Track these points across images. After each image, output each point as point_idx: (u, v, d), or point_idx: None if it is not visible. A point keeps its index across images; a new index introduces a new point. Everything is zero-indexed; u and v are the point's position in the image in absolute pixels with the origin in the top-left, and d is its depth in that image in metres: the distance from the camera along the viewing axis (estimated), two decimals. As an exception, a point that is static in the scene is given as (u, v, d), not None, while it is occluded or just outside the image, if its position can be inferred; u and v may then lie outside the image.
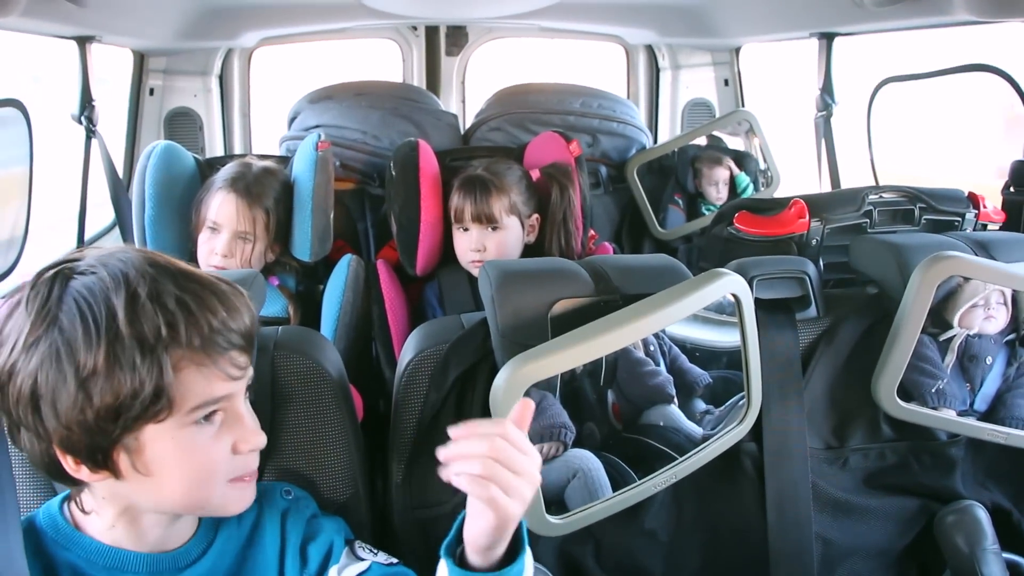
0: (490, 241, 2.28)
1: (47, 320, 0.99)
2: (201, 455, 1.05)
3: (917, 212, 1.88)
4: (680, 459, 1.44)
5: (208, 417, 1.06)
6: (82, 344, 0.98)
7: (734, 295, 1.41)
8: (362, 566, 1.22)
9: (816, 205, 1.86)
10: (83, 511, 1.12)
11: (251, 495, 1.13)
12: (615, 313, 1.32)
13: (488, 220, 2.27)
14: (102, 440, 1.01)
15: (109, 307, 0.98)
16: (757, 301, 1.49)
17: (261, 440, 1.11)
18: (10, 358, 1.00)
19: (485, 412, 1.36)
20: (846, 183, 2.94)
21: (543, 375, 1.29)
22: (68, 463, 1.04)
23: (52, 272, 1.03)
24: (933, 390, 1.60)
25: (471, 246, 2.30)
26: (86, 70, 2.56)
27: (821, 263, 1.87)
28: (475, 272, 2.31)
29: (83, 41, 2.51)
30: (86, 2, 1.91)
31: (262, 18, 3.20)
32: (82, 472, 1.04)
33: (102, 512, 1.11)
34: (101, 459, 1.03)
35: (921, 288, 1.51)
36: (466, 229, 2.31)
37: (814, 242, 1.86)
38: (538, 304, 1.39)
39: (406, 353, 1.51)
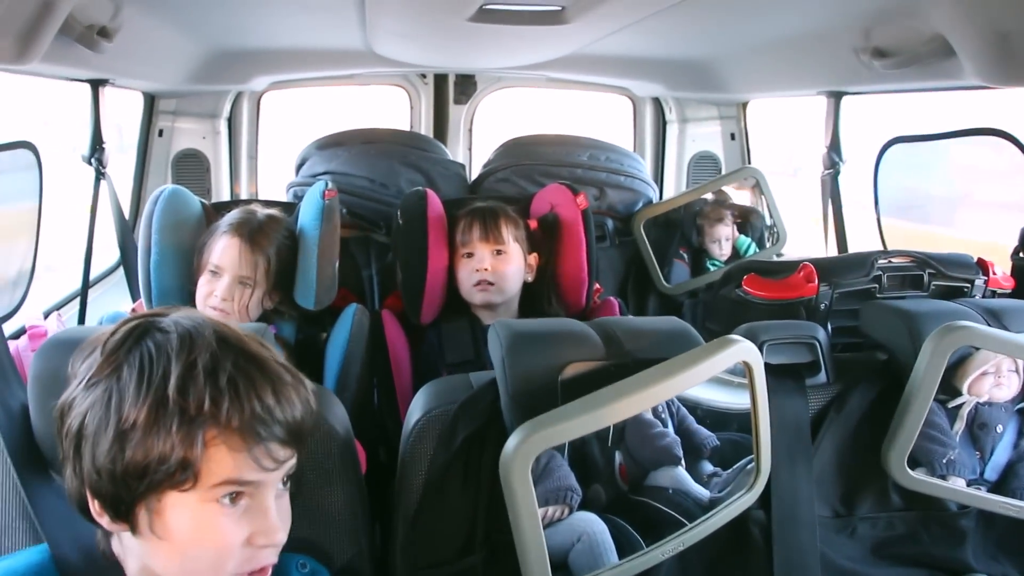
0: (496, 263, 2.30)
1: (112, 366, 1.02)
2: (215, 535, 1.03)
3: (926, 278, 1.88)
4: (687, 527, 1.42)
5: (233, 499, 1.04)
6: (131, 397, 1.00)
7: (745, 363, 1.40)
8: None
9: (825, 269, 1.86)
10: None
11: None
12: (627, 380, 1.31)
13: (495, 240, 2.30)
14: (126, 494, 1.02)
15: (166, 369, 1.00)
16: (766, 366, 1.47)
17: (280, 537, 1.08)
18: (73, 392, 1.05)
19: (494, 475, 1.34)
20: (851, 238, 2.93)
21: (553, 443, 1.28)
22: (95, 506, 1.05)
23: (136, 322, 1.07)
24: (943, 460, 1.59)
25: (476, 267, 2.31)
26: (98, 112, 2.58)
27: (829, 327, 1.86)
28: (478, 296, 2.32)
29: (96, 84, 2.53)
30: (103, 48, 1.93)
31: (272, 63, 3.22)
32: (104, 519, 1.05)
33: (127, 561, 1.12)
34: (123, 511, 1.03)
35: (933, 358, 1.50)
36: (471, 254, 2.32)
37: (823, 306, 1.86)
38: (548, 367, 1.38)
39: (413, 412, 1.50)
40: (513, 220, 2.35)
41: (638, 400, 1.30)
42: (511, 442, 1.26)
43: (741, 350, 1.38)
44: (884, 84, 2.51)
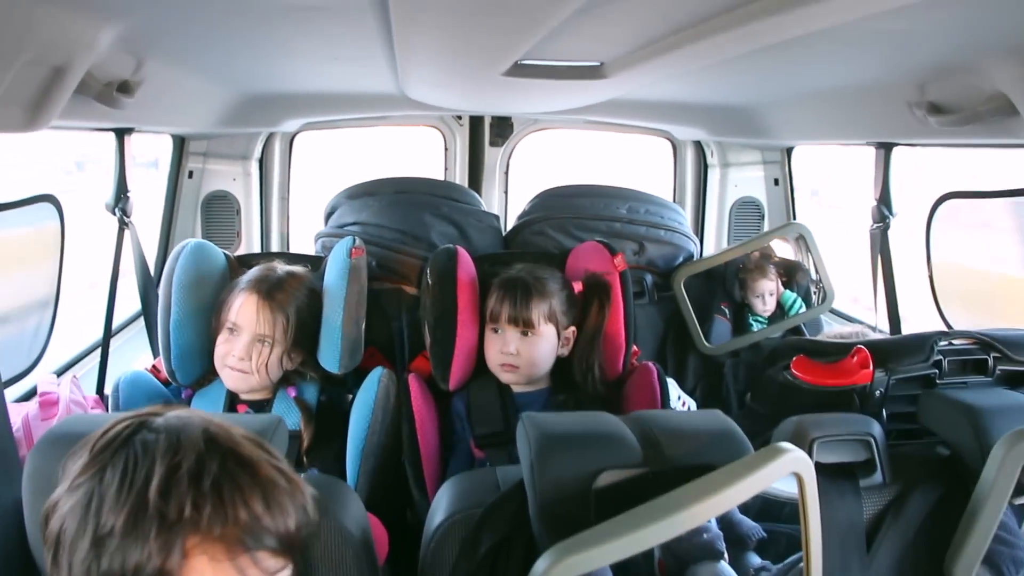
0: (523, 346, 2.19)
1: (97, 467, 0.96)
2: None
3: (991, 362, 1.74)
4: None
5: None
6: (110, 500, 0.93)
7: (796, 474, 1.28)
8: None
9: (880, 353, 1.74)
10: None
11: None
12: (668, 497, 1.20)
13: (524, 324, 2.18)
14: None
15: (148, 472, 0.94)
16: (817, 466, 1.36)
17: None
18: (58, 493, 0.98)
19: (519, 587, 1.25)
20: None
21: (586, 568, 1.17)
22: None
23: (126, 421, 1.00)
24: (1010, 560, 1.46)
25: (503, 348, 2.20)
26: (123, 161, 2.53)
27: (885, 414, 1.74)
28: (504, 377, 2.23)
29: (121, 133, 2.47)
30: (124, 104, 1.86)
31: (304, 106, 3.17)
32: None
33: None
34: None
35: (1004, 465, 1.38)
36: (499, 331, 2.22)
37: (878, 393, 1.73)
38: (582, 475, 1.28)
39: (436, 513, 1.41)
40: (546, 296, 2.21)
41: (680, 520, 1.18)
42: (539, 567, 1.15)
43: (791, 461, 1.26)
44: (939, 139, 2.39)
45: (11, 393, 2.11)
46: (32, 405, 2.06)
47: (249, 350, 2.08)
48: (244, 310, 2.11)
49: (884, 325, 2.84)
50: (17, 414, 1.94)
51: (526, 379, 2.23)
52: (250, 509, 0.94)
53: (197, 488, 0.93)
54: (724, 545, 1.37)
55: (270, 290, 2.13)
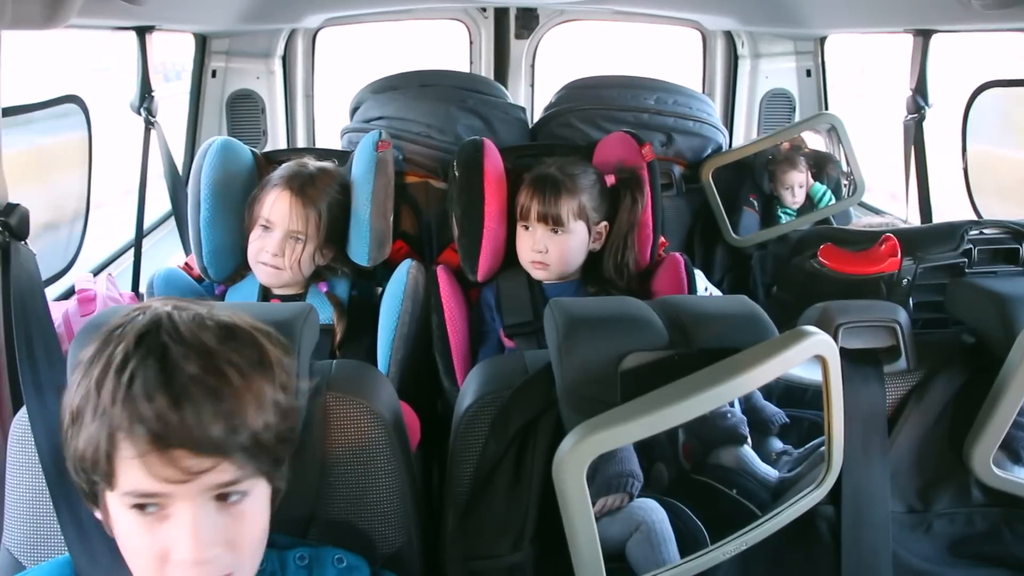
0: (553, 244, 2.19)
1: (93, 358, 0.97)
2: (128, 545, 0.98)
3: (1022, 251, 1.73)
4: (750, 526, 1.34)
5: (141, 509, 0.95)
6: (79, 382, 0.96)
7: (820, 357, 1.29)
8: None
9: (909, 241, 1.72)
10: None
11: None
12: (692, 378, 1.22)
13: (554, 221, 2.17)
14: (84, 483, 0.98)
15: (109, 356, 0.94)
16: (842, 351, 1.37)
17: (201, 556, 0.96)
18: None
19: (546, 467, 1.28)
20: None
21: (610, 446, 1.20)
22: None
23: (129, 312, 1.00)
24: (1031, 447, 1.48)
25: (533, 246, 2.20)
26: (145, 60, 2.51)
27: (911, 303, 1.73)
28: (535, 274, 2.24)
29: (142, 31, 2.46)
30: (142, 0, 1.84)
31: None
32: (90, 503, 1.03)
33: None
34: (93, 501, 1.01)
35: (1029, 351, 1.37)
36: (529, 228, 2.22)
37: (905, 281, 1.72)
38: (608, 357, 1.29)
39: (465, 396, 1.44)
40: (576, 192, 2.19)
41: (703, 401, 1.21)
42: (565, 445, 1.19)
43: (816, 343, 1.28)
44: (982, 24, 2.31)
45: (50, 293, 2.14)
46: (71, 303, 2.11)
47: (282, 246, 2.10)
48: (277, 206, 2.11)
49: (915, 219, 2.81)
50: (57, 311, 1.98)
51: (556, 276, 2.23)
52: (155, 405, 0.91)
53: (125, 379, 0.92)
54: (747, 430, 1.39)
55: (302, 186, 2.13)
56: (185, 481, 0.93)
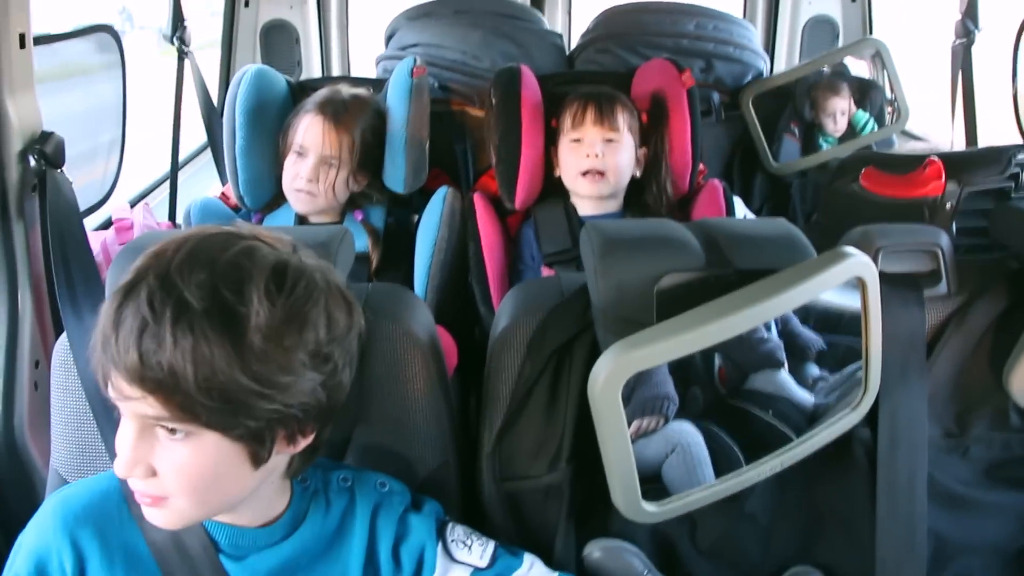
0: (608, 151, 2.17)
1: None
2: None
3: (1073, 176, 1.69)
4: (785, 448, 1.34)
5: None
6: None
7: (859, 278, 1.28)
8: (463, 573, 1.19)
9: (954, 165, 1.69)
10: None
11: (155, 517, 1.04)
12: (728, 297, 1.21)
13: (610, 127, 2.17)
14: None
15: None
16: (881, 275, 1.35)
17: (117, 468, 0.99)
18: None
19: (582, 388, 1.27)
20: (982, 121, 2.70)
21: (645, 365, 1.20)
22: None
23: (179, 237, 1.01)
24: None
25: (587, 151, 2.18)
26: (177, -11, 2.50)
27: (954, 228, 1.70)
28: (589, 188, 2.20)
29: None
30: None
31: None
32: None
33: None
34: None
35: (1074, 274, 1.35)
36: (578, 140, 2.20)
37: (948, 206, 1.69)
38: (644, 277, 1.28)
39: (500, 319, 1.44)
40: (628, 107, 2.20)
41: (738, 320, 1.19)
42: (600, 365, 1.19)
43: (855, 265, 1.26)
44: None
45: (88, 224, 2.17)
46: (109, 232, 2.14)
47: (316, 172, 2.11)
48: (310, 132, 2.12)
49: (960, 146, 2.76)
50: (95, 241, 2.01)
51: (611, 190, 2.20)
52: (117, 326, 0.94)
53: (112, 300, 0.96)
54: (784, 355, 1.39)
55: (336, 111, 2.13)
56: (122, 402, 0.96)
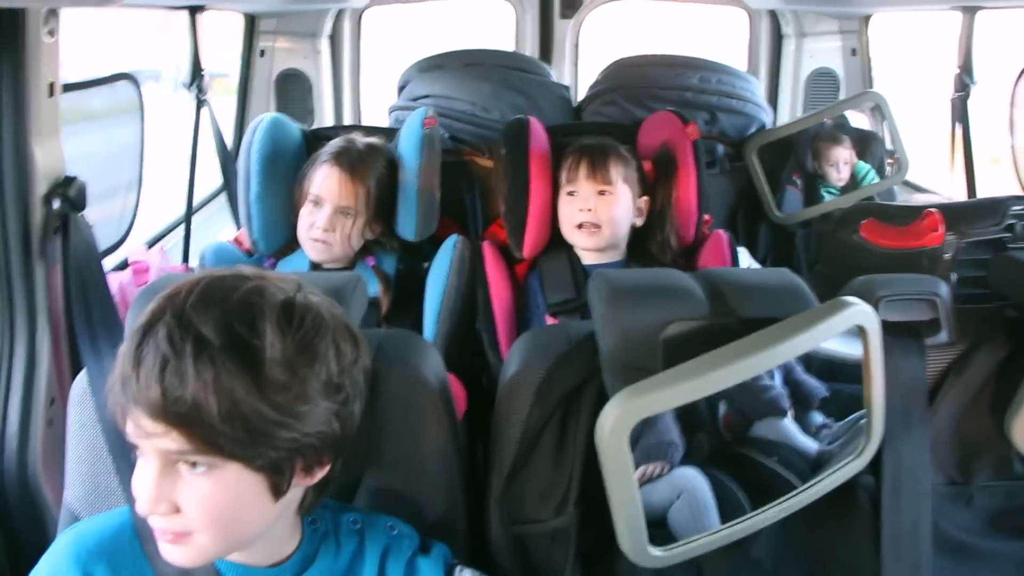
0: (601, 205, 2.20)
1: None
2: None
3: (1067, 227, 1.72)
4: (790, 495, 1.36)
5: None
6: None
7: (860, 327, 1.31)
8: None
9: (952, 216, 1.72)
10: None
11: (175, 555, 1.05)
12: (732, 345, 1.24)
13: (602, 180, 2.19)
14: None
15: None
16: (883, 324, 1.37)
17: (140, 507, 1.01)
18: None
19: (589, 433, 1.31)
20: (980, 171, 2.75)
21: (651, 412, 1.22)
22: None
23: (197, 279, 1.04)
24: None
25: (579, 206, 2.21)
26: (196, 39, 2.57)
27: (954, 278, 1.73)
28: (583, 241, 2.23)
29: (194, 10, 2.51)
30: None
31: (372, -23, 3.16)
32: None
33: None
34: None
35: (1071, 324, 1.38)
36: (575, 192, 2.23)
37: (947, 256, 1.72)
38: (650, 326, 1.31)
39: (509, 366, 1.46)
40: (623, 159, 2.23)
41: (742, 368, 1.22)
42: (607, 411, 1.21)
43: (856, 313, 1.29)
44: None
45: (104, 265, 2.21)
46: (126, 274, 2.17)
47: (332, 222, 2.13)
48: (327, 182, 2.15)
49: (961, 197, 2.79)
50: (112, 282, 2.05)
51: (607, 242, 2.23)
52: (138, 363, 0.97)
53: (135, 341, 0.99)
54: (788, 403, 1.41)
55: (351, 162, 2.17)
56: (144, 439, 0.99)
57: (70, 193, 1.71)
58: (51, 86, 1.68)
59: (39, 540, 1.64)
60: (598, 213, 2.20)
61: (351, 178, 2.15)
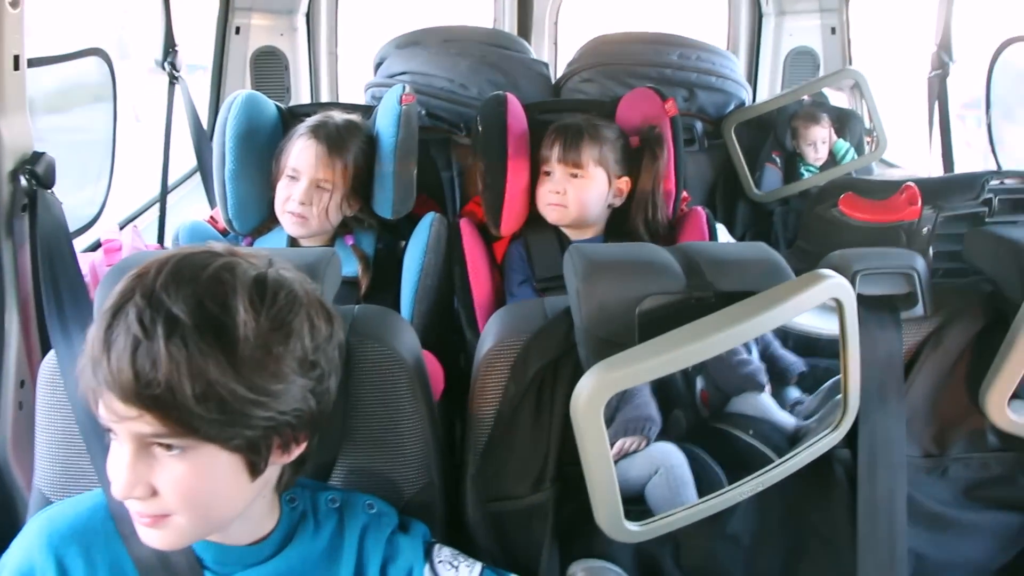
0: (572, 187, 2.20)
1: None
2: None
3: (1043, 201, 1.73)
4: (766, 468, 1.36)
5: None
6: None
7: (836, 299, 1.30)
8: None
9: (929, 190, 1.73)
10: None
11: (154, 538, 1.04)
12: (708, 318, 1.23)
13: (574, 164, 2.19)
14: None
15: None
16: (859, 297, 1.37)
17: (115, 491, 1.00)
18: None
19: (565, 409, 1.30)
20: (958, 150, 2.76)
21: (626, 385, 1.22)
22: None
23: (166, 256, 1.02)
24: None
25: (551, 187, 2.22)
26: (169, 15, 2.54)
27: (931, 252, 1.73)
28: (551, 216, 2.25)
29: (165, -14, 2.48)
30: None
31: (350, -49, 3.12)
32: None
33: None
34: None
35: (1046, 298, 1.38)
36: (549, 172, 2.23)
37: (925, 230, 1.72)
38: (626, 299, 1.31)
39: (485, 341, 1.45)
40: (599, 141, 2.21)
41: (719, 340, 1.22)
42: (582, 384, 1.21)
43: (832, 286, 1.29)
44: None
45: (76, 246, 2.19)
46: (97, 254, 2.15)
47: (309, 195, 2.12)
48: (304, 155, 2.14)
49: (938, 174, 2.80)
50: (84, 263, 2.02)
51: (572, 221, 2.24)
52: (108, 344, 0.95)
53: (107, 316, 0.97)
54: (766, 378, 1.41)
55: (329, 136, 2.15)
56: (117, 422, 0.97)
57: (38, 169, 1.68)
58: (16, 59, 1.64)
59: (10, 525, 1.62)
60: (568, 195, 2.20)
61: (328, 152, 2.13)
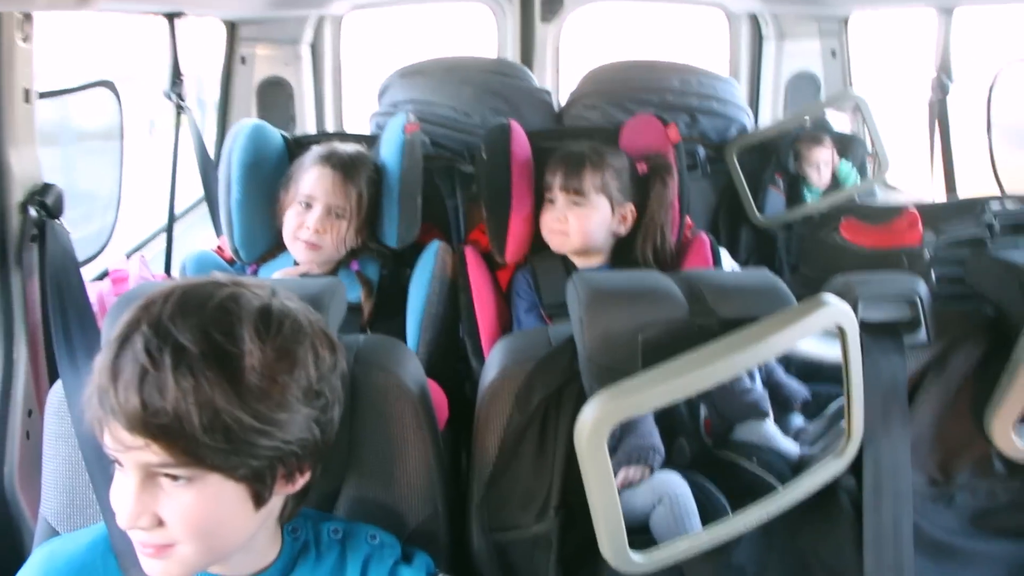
0: (573, 215, 2.20)
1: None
2: None
3: (1044, 225, 1.73)
4: (771, 496, 1.35)
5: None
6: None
7: (839, 326, 1.31)
8: None
9: (930, 215, 1.73)
10: None
11: (157, 569, 1.04)
12: (711, 346, 1.23)
13: (575, 192, 2.19)
14: None
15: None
16: (862, 324, 1.38)
17: (123, 522, 1.00)
18: None
19: (569, 438, 1.29)
20: (960, 171, 2.76)
21: (631, 413, 1.22)
22: None
23: (172, 287, 1.04)
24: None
25: (553, 215, 2.22)
26: (175, 45, 2.56)
27: (933, 276, 1.73)
28: (553, 242, 2.25)
29: (172, 16, 2.50)
30: (172, -18, 1.90)
31: (352, -18, 3.15)
32: None
33: None
34: None
35: (1049, 322, 1.38)
36: (552, 201, 2.24)
37: (926, 255, 1.73)
38: (629, 327, 1.31)
39: (488, 370, 1.46)
40: (601, 169, 2.21)
41: (721, 368, 1.22)
42: (586, 412, 1.21)
43: (834, 313, 1.29)
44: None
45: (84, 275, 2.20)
46: (105, 284, 2.16)
47: (324, 223, 2.12)
48: (320, 183, 2.14)
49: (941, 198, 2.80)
50: (91, 292, 2.03)
51: (575, 248, 2.24)
52: (115, 375, 0.96)
53: (108, 348, 0.99)
54: (769, 405, 1.41)
55: (343, 163, 2.16)
56: (123, 452, 0.98)
57: (47, 200, 1.70)
58: (26, 92, 1.67)
59: (15, 553, 1.62)
60: (570, 223, 2.20)
61: (344, 179, 2.14)
